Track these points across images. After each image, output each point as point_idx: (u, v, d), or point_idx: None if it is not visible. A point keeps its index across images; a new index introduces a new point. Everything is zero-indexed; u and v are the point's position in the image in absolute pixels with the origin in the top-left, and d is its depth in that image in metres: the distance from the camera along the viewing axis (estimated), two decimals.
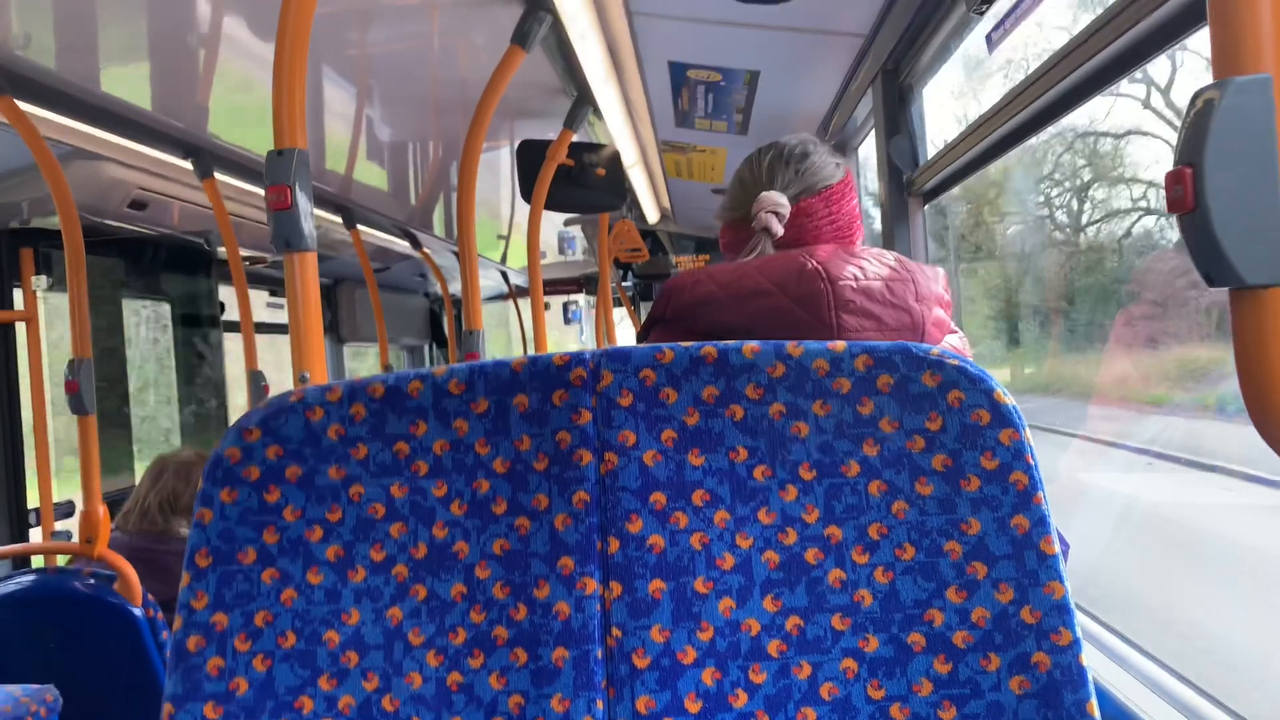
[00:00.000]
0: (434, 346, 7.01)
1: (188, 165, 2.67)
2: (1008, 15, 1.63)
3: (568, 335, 7.35)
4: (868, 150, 3.06)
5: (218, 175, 2.70)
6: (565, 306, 7.30)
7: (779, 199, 1.23)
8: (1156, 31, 1.15)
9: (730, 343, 0.78)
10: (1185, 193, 0.56)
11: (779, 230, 1.22)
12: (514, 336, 7.08)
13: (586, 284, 7.04)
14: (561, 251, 6.09)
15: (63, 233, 2.13)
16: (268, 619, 0.78)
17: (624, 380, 0.77)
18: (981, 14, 1.71)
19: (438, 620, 0.78)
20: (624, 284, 6.72)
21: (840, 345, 0.77)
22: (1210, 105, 0.56)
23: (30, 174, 2.49)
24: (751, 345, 0.77)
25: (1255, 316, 0.57)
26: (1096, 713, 0.75)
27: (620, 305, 6.52)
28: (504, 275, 6.18)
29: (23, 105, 2.01)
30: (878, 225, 2.68)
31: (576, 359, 0.78)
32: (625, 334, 6.75)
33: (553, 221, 5.01)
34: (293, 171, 1.14)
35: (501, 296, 6.82)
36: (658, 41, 2.45)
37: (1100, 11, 1.25)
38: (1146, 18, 1.13)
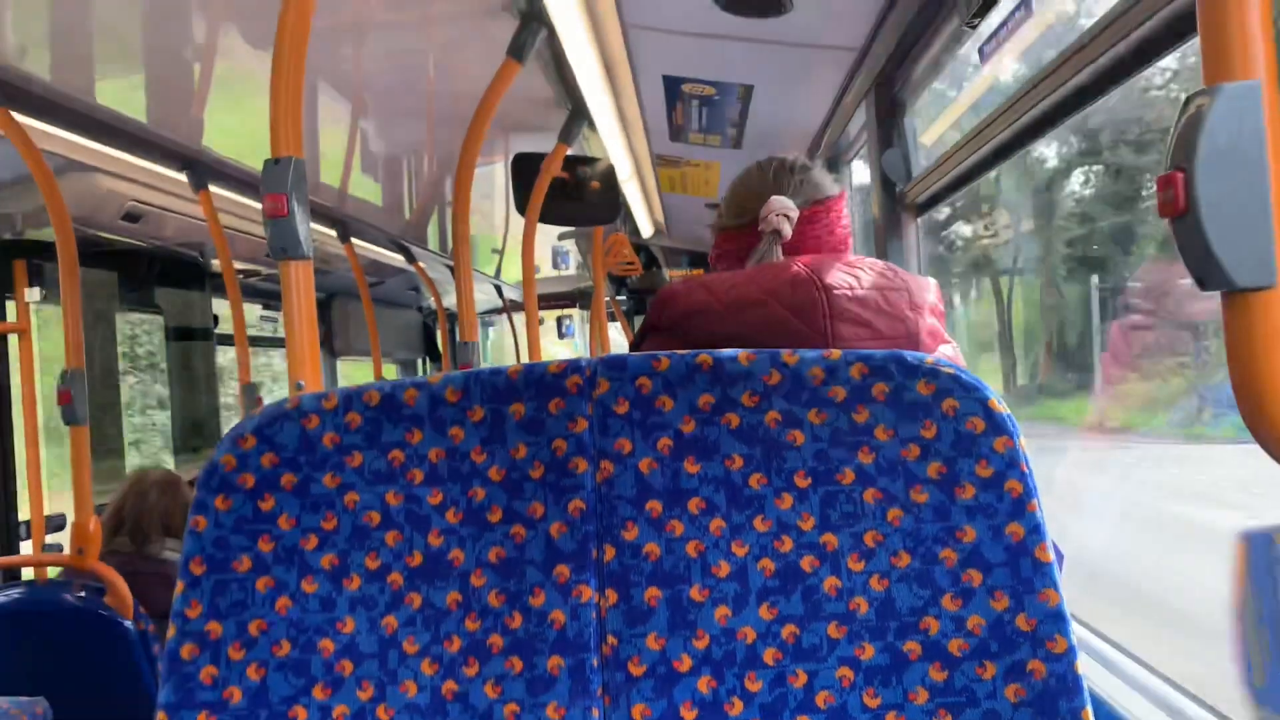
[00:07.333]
0: (427, 361, 7.00)
1: (182, 178, 2.67)
2: (1000, 27, 1.65)
3: (562, 350, 7.35)
4: (861, 164, 3.07)
5: (212, 188, 2.70)
6: (559, 321, 7.30)
7: (789, 203, 1.23)
8: (1148, 41, 1.16)
9: (726, 351, 0.78)
10: (1176, 196, 0.57)
11: (789, 233, 1.23)
12: (508, 353, 7.08)
13: (581, 299, 7.05)
14: (555, 266, 6.09)
15: (57, 244, 2.13)
16: (262, 627, 0.78)
17: (620, 388, 0.77)
18: (974, 27, 1.72)
19: (433, 629, 0.78)
20: (618, 298, 6.72)
21: (835, 353, 0.77)
22: (1201, 111, 0.57)
23: (24, 185, 2.48)
24: (747, 353, 0.77)
25: (1246, 319, 0.58)
26: None
27: (614, 320, 6.51)
28: (498, 289, 6.18)
29: (18, 117, 2.01)
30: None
31: (573, 366, 0.78)
32: (619, 349, 6.74)
33: (546, 236, 5.01)
34: (289, 180, 1.15)
35: (496, 310, 6.82)
36: (652, 55, 2.46)
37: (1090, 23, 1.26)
38: (1139, 28, 1.14)
